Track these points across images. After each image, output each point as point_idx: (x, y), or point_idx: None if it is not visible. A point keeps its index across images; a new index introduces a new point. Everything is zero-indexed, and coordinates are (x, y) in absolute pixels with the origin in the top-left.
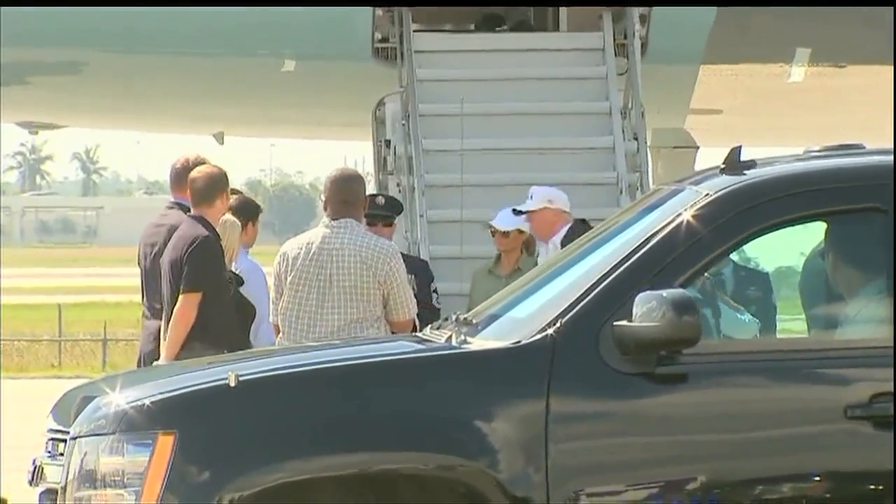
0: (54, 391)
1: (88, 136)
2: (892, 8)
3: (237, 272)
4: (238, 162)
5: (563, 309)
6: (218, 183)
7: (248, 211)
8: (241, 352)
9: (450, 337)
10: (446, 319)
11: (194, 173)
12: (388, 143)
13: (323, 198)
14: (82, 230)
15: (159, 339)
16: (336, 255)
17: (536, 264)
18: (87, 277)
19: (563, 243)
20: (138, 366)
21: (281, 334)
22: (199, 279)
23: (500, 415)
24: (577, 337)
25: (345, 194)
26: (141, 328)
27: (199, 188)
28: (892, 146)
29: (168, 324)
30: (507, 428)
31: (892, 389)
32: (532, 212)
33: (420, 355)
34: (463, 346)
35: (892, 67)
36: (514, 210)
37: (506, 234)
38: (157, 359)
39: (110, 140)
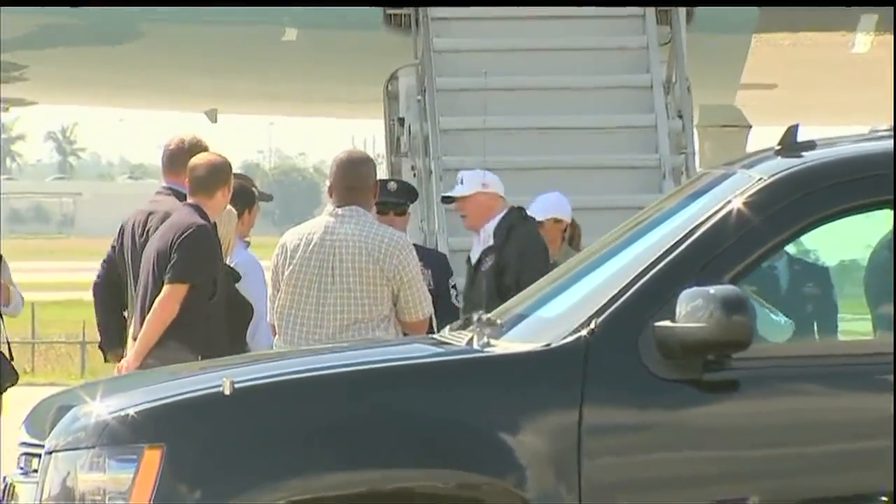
0: (27, 400)
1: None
2: (892, 8)
3: (233, 266)
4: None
5: (598, 308)
6: (221, 174)
7: (243, 198)
8: (237, 356)
9: (471, 339)
10: (467, 319)
11: (195, 160)
12: (401, 121)
13: (328, 183)
14: (58, 219)
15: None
16: (339, 247)
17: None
18: (63, 272)
19: (497, 232)
20: (120, 371)
21: (277, 335)
22: (187, 270)
23: (528, 426)
24: (613, 339)
25: (352, 179)
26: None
27: (199, 177)
28: (893, 147)
29: (143, 322)
30: (536, 441)
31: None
32: (464, 197)
33: (437, 360)
34: (486, 350)
35: (893, 67)
36: (443, 197)
37: (541, 223)
38: (143, 364)
39: (89, 118)
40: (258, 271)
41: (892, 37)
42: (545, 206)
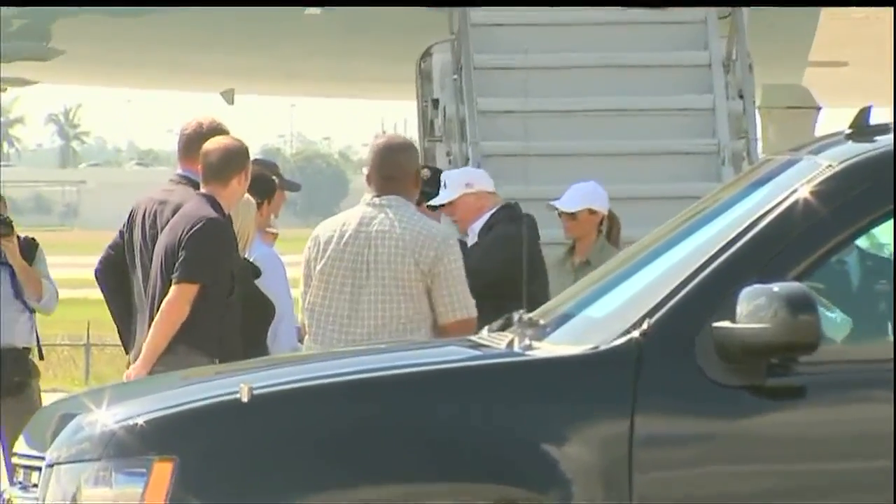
0: None
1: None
2: (891, 8)
3: (252, 261)
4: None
5: (651, 307)
6: (235, 159)
7: (263, 186)
8: (256, 359)
9: (511, 341)
10: (507, 320)
11: (208, 145)
12: (435, 102)
13: (365, 171)
14: (60, 210)
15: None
16: (375, 240)
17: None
18: (65, 268)
19: (480, 233)
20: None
21: (307, 335)
22: (196, 269)
23: (574, 437)
24: (668, 341)
25: (389, 169)
26: (135, 329)
27: (212, 163)
28: (893, 145)
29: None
30: (582, 453)
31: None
32: (451, 202)
33: (474, 364)
34: (527, 353)
35: (893, 67)
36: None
37: (573, 215)
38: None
39: (94, 99)
40: (279, 267)
41: (892, 37)
42: (578, 196)
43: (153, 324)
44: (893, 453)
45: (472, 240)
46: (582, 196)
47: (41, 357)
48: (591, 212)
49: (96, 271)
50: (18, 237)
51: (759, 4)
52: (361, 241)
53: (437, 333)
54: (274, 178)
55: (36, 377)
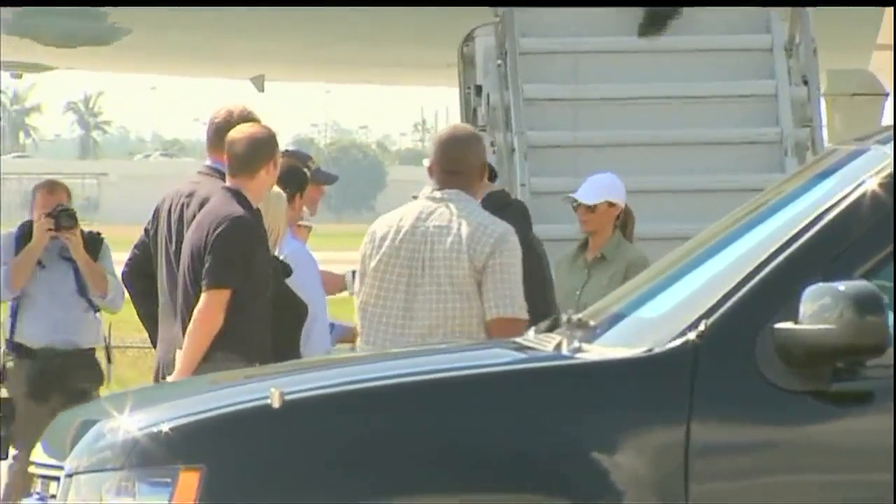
0: None
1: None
2: (891, 8)
3: (282, 259)
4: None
5: (708, 307)
6: (263, 148)
7: (293, 179)
8: (287, 363)
9: (559, 343)
10: (555, 320)
11: (234, 134)
12: (478, 89)
13: (426, 163)
14: (79, 203)
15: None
16: (432, 236)
17: (638, 252)
18: None
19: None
20: (156, 381)
21: (359, 337)
22: (226, 272)
23: (626, 446)
24: (726, 343)
25: (452, 163)
26: (160, 330)
27: (238, 153)
28: (893, 141)
29: (185, 330)
30: (635, 463)
31: (893, 392)
32: None
33: (520, 368)
34: (576, 356)
35: (892, 67)
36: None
37: (591, 208)
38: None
39: (116, 86)
40: (311, 264)
41: (893, 36)
42: (598, 188)
43: (187, 334)
44: (894, 461)
45: None
46: (601, 188)
47: (109, 360)
48: (610, 204)
49: (123, 274)
50: (82, 231)
51: None
52: (418, 237)
53: (487, 333)
54: (305, 169)
55: (102, 384)
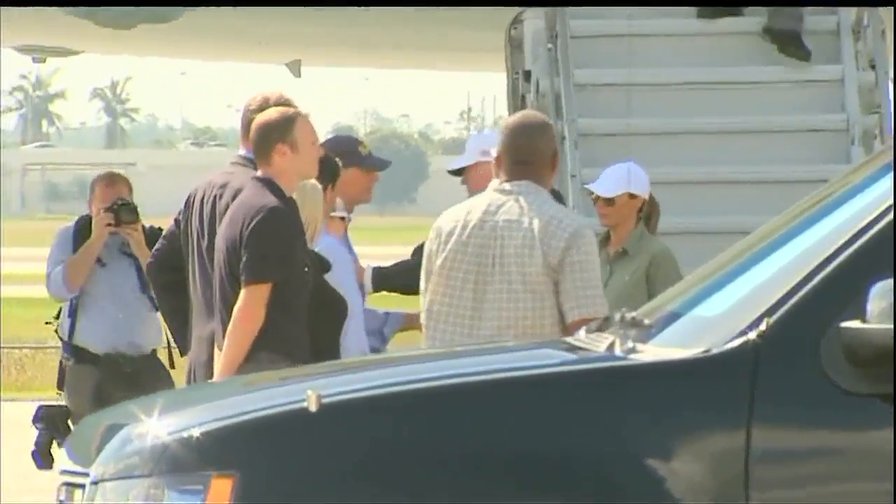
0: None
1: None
2: (891, 8)
3: (319, 253)
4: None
5: (769, 305)
6: (271, 132)
7: (325, 169)
8: (324, 363)
9: (612, 343)
10: (607, 319)
11: (261, 117)
12: (527, 74)
13: (494, 153)
14: None
15: (215, 346)
16: (502, 231)
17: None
18: None
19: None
20: (187, 382)
21: (425, 338)
22: (265, 266)
23: (682, 452)
24: (789, 344)
25: (523, 152)
26: (191, 330)
27: (253, 141)
28: (893, 143)
29: (225, 328)
30: (692, 470)
31: (892, 391)
32: (464, 169)
33: (570, 369)
34: (630, 357)
35: (892, 67)
36: (448, 170)
37: (610, 201)
38: (211, 372)
39: (144, 71)
40: (345, 258)
41: (893, 36)
42: (616, 179)
43: (227, 334)
44: (894, 461)
45: None
46: (619, 179)
47: (172, 365)
48: (631, 196)
49: (148, 265)
50: (144, 226)
51: None
52: (487, 232)
53: (565, 334)
54: (337, 158)
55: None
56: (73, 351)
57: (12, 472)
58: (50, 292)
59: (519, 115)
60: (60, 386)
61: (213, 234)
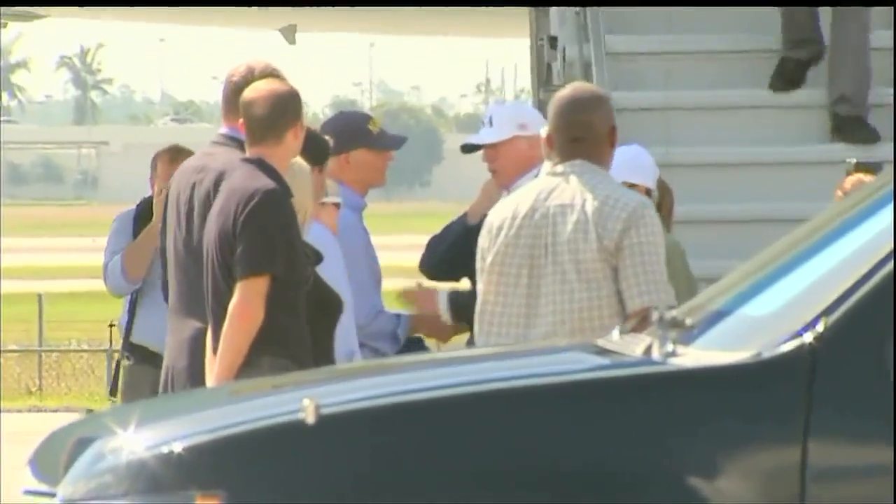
0: (33, 431)
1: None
2: (891, 8)
3: (310, 244)
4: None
5: (828, 303)
6: (288, 107)
7: (314, 149)
8: (323, 369)
9: (649, 346)
10: (644, 318)
11: (250, 94)
12: (552, 41)
13: (544, 132)
14: (75, 179)
15: (196, 349)
16: (555, 217)
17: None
18: (82, 253)
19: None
20: (163, 388)
21: (477, 340)
22: (263, 256)
23: (730, 469)
24: (850, 346)
25: (575, 130)
26: (167, 333)
27: (258, 117)
28: (893, 144)
29: (216, 331)
30: (741, 489)
31: (892, 390)
32: (494, 145)
33: (600, 376)
34: (669, 362)
35: (892, 67)
36: (463, 146)
37: None
38: (195, 380)
39: (118, 37)
40: (335, 249)
41: (893, 37)
42: (615, 167)
43: (223, 337)
44: (894, 462)
45: None
46: (617, 167)
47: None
48: (631, 186)
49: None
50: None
51: None
52: (538, 220)
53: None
54: (327, 138)
55: None
56: (133, 349)
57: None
58: (108, 286)
59: (570, 88)
60: (113, 392)
61: (191, 225)
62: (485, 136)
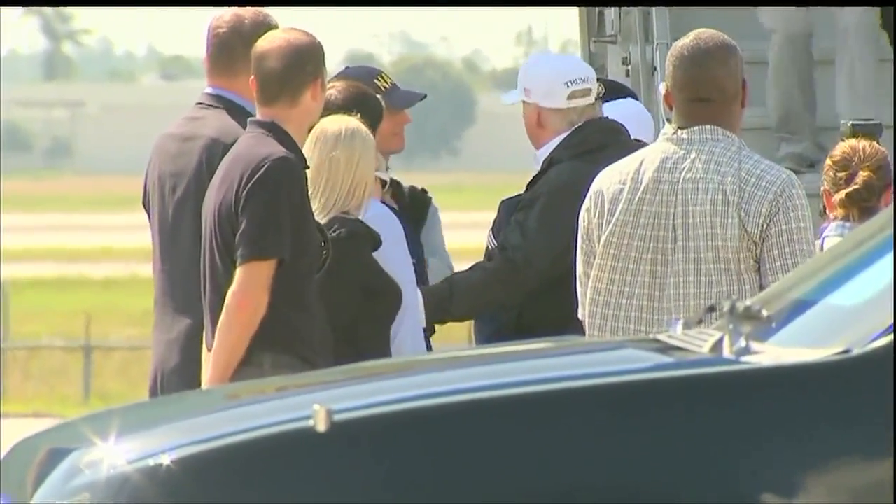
0: None
1: None
2: (891, 8)
3: (367, 225)
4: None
5: None
6: (307, 62)
7: (367, 110)
8: (338, 368)
9: (719, 342)
10: (712, 310)
11: (263, 45)
12: None
13: (662, 89)
14: (45, 146)
15: (190, 347)
16: (685, 193)
17: None
18: (53, 232)
19: (546, 163)
20: (152, 394)
21: (588, 335)
22: (270, 237)
23: (813, 483)
24: None
25: (699, 88)
26: (153, 328)
27: (272, 71)
28: (893, 144)
29: (215, 321)
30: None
31: (892, 389)
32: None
33: (662, 377)
34: (743, 360)
35: (892, 67)
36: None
37: None
38: (185, 382)
39: None
40: (396, 231)
41: (892, 37)
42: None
43: (219, 328)
44: (894, 462)
45: (536, 167)
46: (625, 120)
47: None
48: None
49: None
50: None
51: None
52: (664, 194)
53: None
54: (376, 92)
55: None
56: None
57: None
58: None
59: (691, 37)
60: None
61: (182, 205)
62: (508, 97)
